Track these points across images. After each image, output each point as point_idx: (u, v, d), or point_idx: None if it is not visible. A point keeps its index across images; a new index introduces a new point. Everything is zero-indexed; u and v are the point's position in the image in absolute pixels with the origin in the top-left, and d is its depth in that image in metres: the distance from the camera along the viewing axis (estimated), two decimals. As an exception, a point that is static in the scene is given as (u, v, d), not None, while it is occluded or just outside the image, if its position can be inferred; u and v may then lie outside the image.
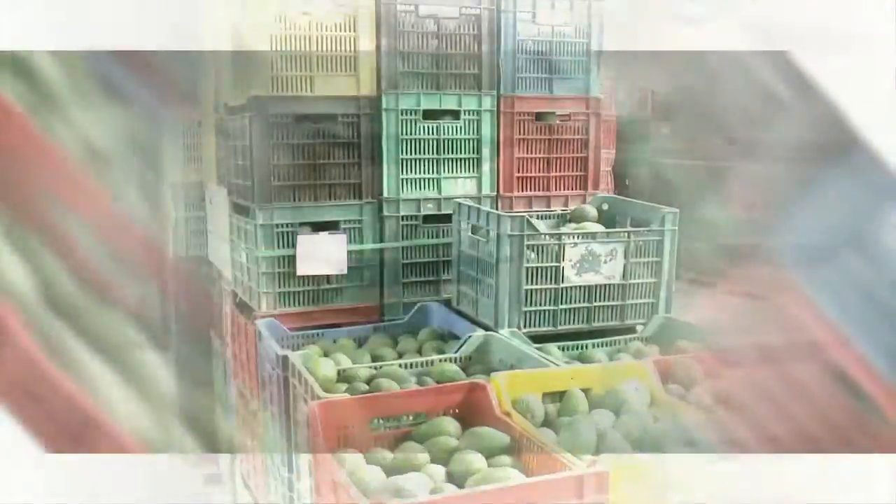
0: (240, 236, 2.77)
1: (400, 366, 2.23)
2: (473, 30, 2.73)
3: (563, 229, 2.55)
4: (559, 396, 1.99)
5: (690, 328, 2.40)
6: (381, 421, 1.89)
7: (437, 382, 2.17)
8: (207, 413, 3.55)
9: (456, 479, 1.67)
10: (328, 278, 2.65)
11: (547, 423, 1.89)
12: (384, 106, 2.64)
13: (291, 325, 2.57)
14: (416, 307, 2.68)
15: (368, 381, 2.15)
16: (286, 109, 2.55)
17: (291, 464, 2.22)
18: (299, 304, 2.63)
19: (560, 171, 2.90)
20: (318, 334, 2.57)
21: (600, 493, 1.49)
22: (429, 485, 1.60)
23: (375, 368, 2.23)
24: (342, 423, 1.83)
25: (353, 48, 2.59)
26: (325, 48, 2.56)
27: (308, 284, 2.63)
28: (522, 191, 2.85)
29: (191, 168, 3.58)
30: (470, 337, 2.34)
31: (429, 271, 2.78)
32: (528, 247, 2.35)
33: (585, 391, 1.98)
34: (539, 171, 2.87)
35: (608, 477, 1.50)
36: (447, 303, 2.71)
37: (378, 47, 2.62)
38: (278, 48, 2.51)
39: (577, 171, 2.92)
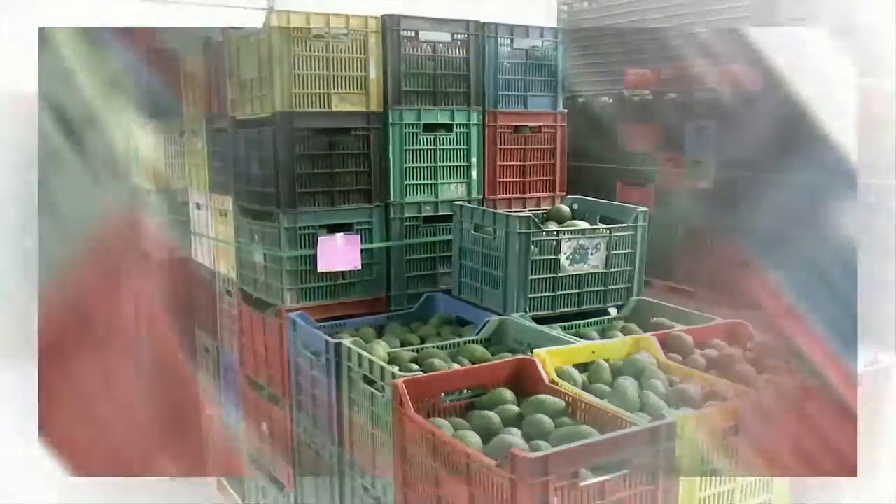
0: (254, 239, 2.86)
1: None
2: (463, 53, 2.95)
3: (551, 226, 2.82)
4: (582, 368, 2.26)
5: (660, 307, 2.73)
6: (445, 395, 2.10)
7: (470, 361, 2.39)
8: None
9: (531, 439, 1.90)
10: (343, 274, 2.80)
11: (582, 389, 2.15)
12: (390, 120, 2.82)
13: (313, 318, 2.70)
14: (423, 297, 2.88)
15: (414, 362, 2.33)
16: (307, 124, 2.68)
17: (343, 438, 2.37)
18: (318, 298, 2.77)
19: (533, 176, 3.17)
20: (341, 325, 2.71)
21: (669, 440, 1.77)
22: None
23: (416, 351, 2.41)
24: (421, 397, 2.01)
25: (363, 69, 2.75)
26: (339, 69, 2.71)
27: (325, 280, 2.77)
28: (503, 194, 3.10)
29: (173, 175, 3.60)
30: (487, 321, 2.57)
31: (427, 266, 2.97)
32: (532, 242, 2.60)
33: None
34: (516, 177, 3.13)
35: (675, 426, 1.77)
36: (447, 292, 2.92)
37: (384, 68, 2.79)
38: (299, 69, 2.64)
39: (546, 175, 3.20)
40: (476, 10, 3.17)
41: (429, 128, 2.91)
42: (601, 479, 1.69)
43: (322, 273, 2.75)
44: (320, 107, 2.69)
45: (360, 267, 2.80)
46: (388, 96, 2.81)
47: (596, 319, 2.71)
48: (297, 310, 2.69)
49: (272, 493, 2.94)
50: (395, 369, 2.13)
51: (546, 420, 1.94)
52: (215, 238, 3.25)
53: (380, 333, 2.70)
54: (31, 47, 3.24)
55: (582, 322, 2.69)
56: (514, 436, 1.89)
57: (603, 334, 2.61)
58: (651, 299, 2.80)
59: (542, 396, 2.04)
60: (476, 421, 1.98)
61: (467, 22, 2.96)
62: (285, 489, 2.85)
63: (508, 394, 2.09)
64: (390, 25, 2.78)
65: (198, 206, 3.41)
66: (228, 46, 2.94)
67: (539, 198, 3.18)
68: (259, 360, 2.92)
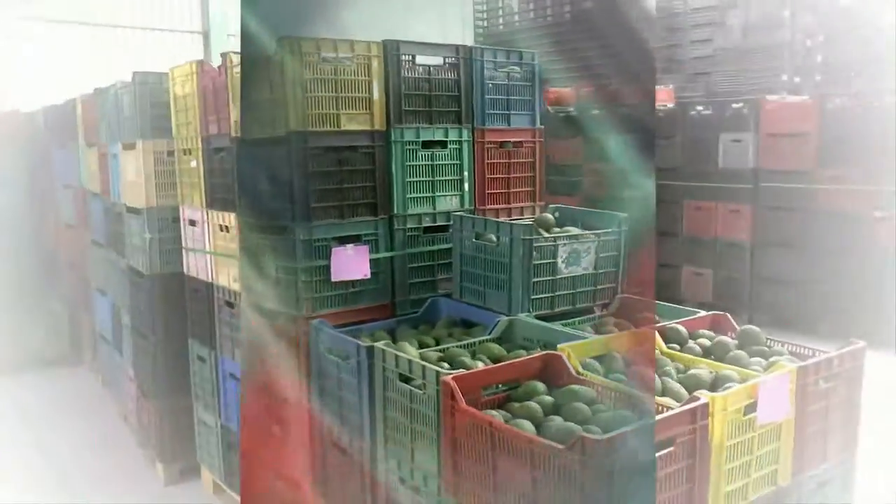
0: (263, 252, 2.87)
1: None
2: (453, 75, 3.06)
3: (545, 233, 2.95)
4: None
5: (643, 303, 2.92)
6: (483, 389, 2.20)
7: (488, 357, 2.49)
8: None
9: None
10: (353, 283, 2.85)
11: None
12: (392, 138, 2.90)
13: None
14: (427, 302, 2.97)
15: (440, 361, 2.41)
16: (319, 143, 2.74)
17: (375, 434, 2.44)
18: (332, 306, 2.82)
19: (516, 187, 3.31)
20: (355, 330, 2.76)
21: (703, 419, 1.94)
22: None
23: (441, 351, 2.50)
24: (466, 391, 2.10)
25: (367, 91, 2.83)
26: (346, 91, 2.78)
27: (338, 289, 2.82)
28: (491, 204, 3.22)
29: (162, 194, 3.55)
30: (498, 321, 2.68)
31: (427, 273, 3.07)
32: (534, 248, 2.74)
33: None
34: (502, 188, 3.26)
35: (707, 406, 1.94)
36: (447, 296, 3.01)
37: (386, 90, 2.87)
38: (310, 91, 2.69)
39: (527, 186, 3.34)
40: (407, 29, 3.28)
41: (426, 144, 3.01)
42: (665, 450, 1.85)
43: (334, 282, 2.80)
44: (330, 126, 2.75)
45: (369, 275, 2.86)
46: (390, 116, 2.89)
47: (588, 317, 2.86)
48: (315, 318, 2.73)
49: (288, 495, 2.95)
50: (437, 368, 2.21)
51: (584, 407, 2.07)
52: (213, 252, 3.23)
53: (392, 337, 2.77)
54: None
55: (576, 320, 2.83)
56: (558, 423, 2.02)
57: (598, 330, 2.76)
58: (634, 297, 2.98)
59: (574, 387, 2.17)
60: (520, 412, 2.09)
61: (457, 47, 3.08)
62: (301, 488, 2.87)
63: (541, 386, 2.22)
64: (390, 50, 2.87)
65: (192, 223, 3.38)
66: (231, 71, 2.94)
67: (522, 207, 3.32)
68: (271, 367, 2.92)
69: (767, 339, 2.55)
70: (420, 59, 2.96)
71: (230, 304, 3.17)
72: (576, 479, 1.74)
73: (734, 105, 5.61)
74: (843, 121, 5.10)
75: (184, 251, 3.50)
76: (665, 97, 6.15)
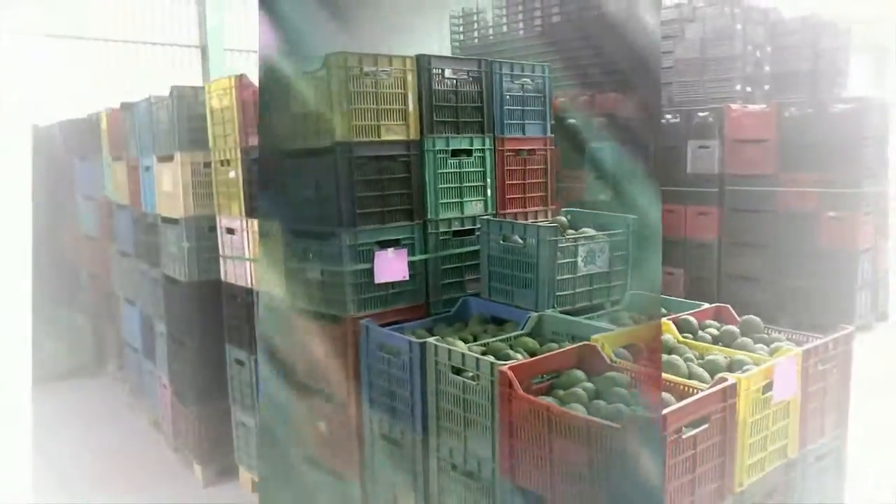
0: (308, 257, 2.97)
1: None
2: (476, 88, 3.19)
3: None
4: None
5: (651, 298, 3.05)
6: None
7: (525, 350, 2.62)
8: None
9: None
10: (392, 285, 2.96)
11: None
12: (426, 147, 3.02)
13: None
14: (459, 301, 3.09)
15: (484, 354, 2.53)
16: (363, 152, 2.84)
17: (427, 425, 2.55)
18: (374, 307, 2.92)
19: (531, 192, 3.44)
20: (399, 328, 2.86)
21: (731, 398, 2.09)
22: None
23: (483, 345, 2.62)
24: (521, 380, 2.24)
25: (403, 102, 2.94)
26: (385, 103, 2.89)
27: (379, 291, 2.92)
28: (511, 208, 3.35)
29: (198, 204, 3.62)
30: (529, 317, 2.81)
31: (456, 274, 3.18)
32: (558, 248, 2.87)
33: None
34: (519, 193, 3.39)
35: (735, 387, 2.09)
36: (475, 295, 3.13)
37: (419, 101, 2.99)
38: (355, 104, 2.80)
39: (541, 192, 3.48)
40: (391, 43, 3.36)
41: (454, 153, 3.12)
42: (694, 431, 2.00)
43: (377, 284, 2.90)
44: (371, 136, 2.86)
45: (407, 277, 2.97)
46: (423, 126, 3.01)
47: (604, 312, 3.00)
48: (360, 318, 2.83)
49: (334, 486, 3.04)
50: (491, 360, 2.33)
51: (624, 391, 2.22)
52: (252, 259, 3.31)
53: (431, 335, 2.87)
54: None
55: (594, 314, 2.96)
56: (604, 406, 2.16)
57: (616, 323, 2.89)
58: (642, 292, 3.11)
59: (612, 374, 2.31)
60: (568, 398, 2.23)
61: (479, 60, 3.21)
62: (348, 480, 2.97)
63: (582, 374, 2.36)
64: (423, 64, 2.99)
65: (230, 231, 3.46)
66: (274, 85, 3.02)
67: (536, 211, 3.45)
68: (316, 367, 3.01)
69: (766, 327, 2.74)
70: (448, 73, 3.08)
71: (270, 309, 3.23)
72: (629, 455, 1.89)
73: (700, 113, 5.83)
74: (799, 127, 5.33)
75: (221, 259, 3.58)
76: (627, 107, 6.36)
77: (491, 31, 6.86)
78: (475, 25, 7.00)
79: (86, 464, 4.22)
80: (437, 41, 7.23)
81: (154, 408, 4.50)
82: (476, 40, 7.04)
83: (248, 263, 3.36)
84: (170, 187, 3.73)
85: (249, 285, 3.39)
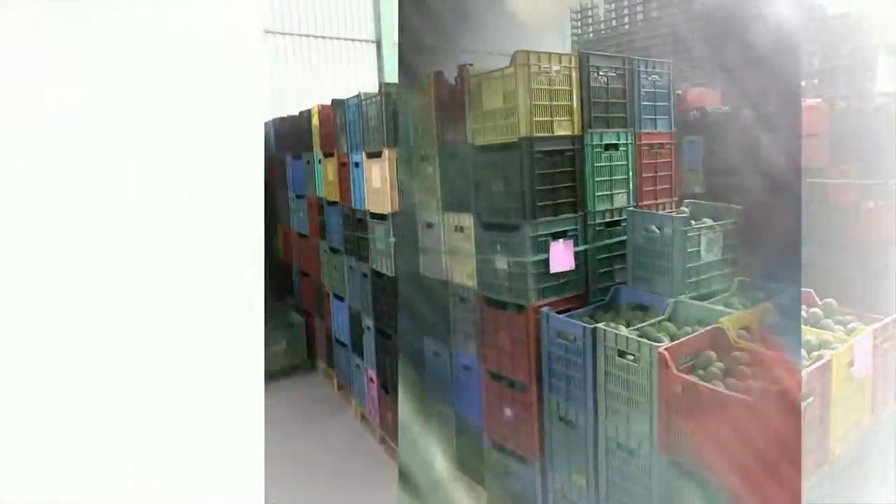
0: (496, 249, 3.27)
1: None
2: (621, 84, 3.37)
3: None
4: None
5: (756, 284, 3.13)
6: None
7: (667, 334, 2.84)
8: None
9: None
10: (562, 274, 3.22)
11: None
12: (586, 142, 3.24)
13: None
14: (612, 290, 3.31)
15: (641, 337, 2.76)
16: (542, 147, 3.09)
17: (597, 406, 2.85)
18: (549, 296, 3.19)
19: (659, 185, 3.57)
20: (570, 316, 3.12)
21: (828, 373, 2.36)
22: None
23: (637, 330, 2.86)
24: (674, 360, 2.50)
25: (569, 99, 3.16)
26: (556, 99, 3.12)
27: (551, 280, 3.20)
28: (647, 200, 3.50)
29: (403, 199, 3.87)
30: (668, 304, 3.02)
31: (608, 263, 3.39)
32: (688, 238, 3.04)
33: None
34: (651, 186, 3.53)
35: (830, 363, 2.35)
36: (622, 283, 3.33)
37: (581, 98, 3.21)
38: (535, 100, 3.03)
39: (667, 184, 3.60)
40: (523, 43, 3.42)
41: (605, 147, 3.33)
42: (804, 404, 2.24)
43: (551, 274, 3.17)
44: (547, 132, 3.09)
45: (574, 267, 3.24)
46: (584, 121, 3.22)
47: (719, 297, 3.11)
48: (541, 307, 3.13)
49: (515, 469, 3.34)
50: (651, 342, 2.61)
51: (748, 370, 2.51)
52: (448, 252, 3.60)
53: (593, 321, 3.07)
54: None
55: (711, 300, 3.08)
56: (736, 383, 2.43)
57: (729, 308, 2.97)
58: (749, 279, 3.18)
59: (736, 353, 2.57)
60: (709, 377, 2.51)
61: (624, 58, 3.38)
62: (529, 462, 3.25)
63: (714, 354, 2.62)
64: (584, 62, 3.20)
65: (428, 226, 3.70)
66: (466, 83, 3.32)
67: (664, 203, 3.58)
68: (502, 354, 3.32)
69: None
70: (602, 71, 3.28)
71: (464, 300, 3.54)
72: (771, 423, 2.14)
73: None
74: (846, 121, 4.96)
75: (420, 252, 3.81)
76: (714, 101, 6.14)
77: (602, 27, 6.88)
78: (590, 20, 7.01)
79: (303, 456, 4.44)
80: (555, 37, 7.16)
81: (361, 402, 4.74)
82: (591, 34, 7.08)
83: (444, 257, 3.62)
84: (378, 183, 3.97)
85: (445, 278, 3.62)
